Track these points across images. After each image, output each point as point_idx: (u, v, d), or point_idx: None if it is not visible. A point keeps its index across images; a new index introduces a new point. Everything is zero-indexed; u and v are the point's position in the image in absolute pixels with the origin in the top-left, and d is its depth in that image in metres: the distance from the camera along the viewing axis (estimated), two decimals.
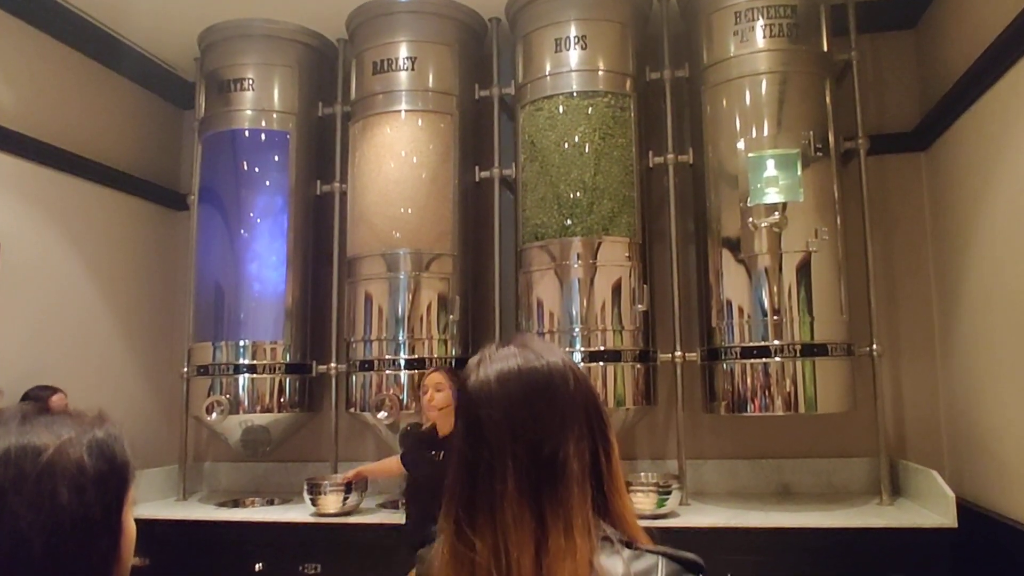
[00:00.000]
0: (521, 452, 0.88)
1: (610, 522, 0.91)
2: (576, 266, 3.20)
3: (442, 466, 2.71)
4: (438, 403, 2.81)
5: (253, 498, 3.71)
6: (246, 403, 3.53)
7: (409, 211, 3.40)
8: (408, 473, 2.95)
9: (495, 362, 0.95)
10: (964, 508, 2.85)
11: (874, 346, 3.21)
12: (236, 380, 3.51)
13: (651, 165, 3.41)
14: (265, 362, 3.55)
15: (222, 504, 3.58)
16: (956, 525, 2.75)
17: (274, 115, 3.70)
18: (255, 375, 3.53)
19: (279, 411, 3.59)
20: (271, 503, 3.63)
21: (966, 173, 3.06)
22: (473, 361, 0.99)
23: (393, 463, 3.13)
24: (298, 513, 3.28)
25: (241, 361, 3.53)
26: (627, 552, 0.87)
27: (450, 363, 3.33)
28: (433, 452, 2.82)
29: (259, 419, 3.57)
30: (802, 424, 3.45)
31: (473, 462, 0.91)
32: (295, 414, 3.65)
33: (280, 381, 3.57)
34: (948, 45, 3.22)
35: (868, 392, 3.25)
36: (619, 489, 0.93)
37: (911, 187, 3.57)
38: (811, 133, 3.08)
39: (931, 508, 2.94)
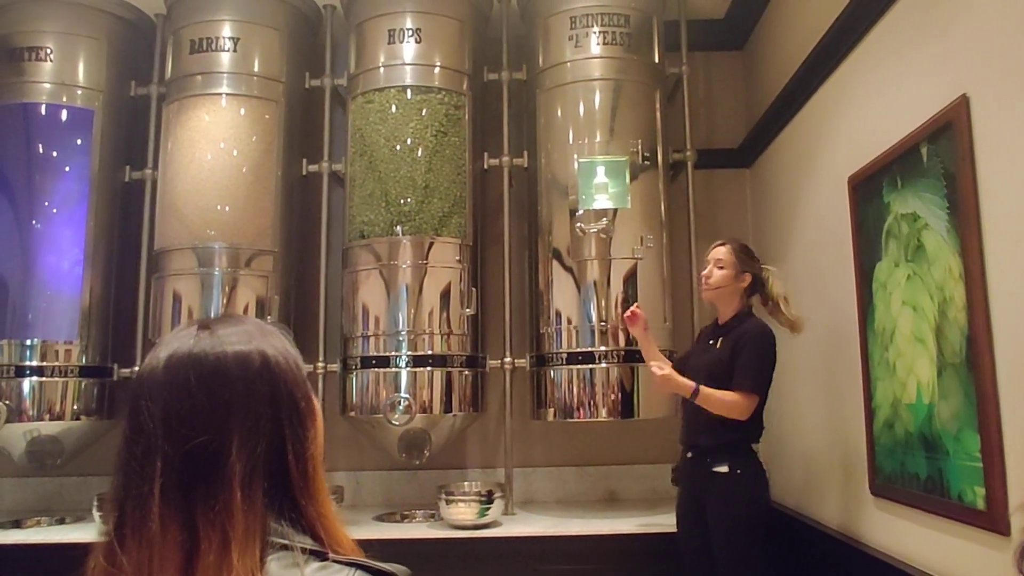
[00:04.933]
0: (172, 450, 0.75)
1: (303, 530, 0.79)
2: (404, 267, 3.08)
3: (710, 355, 2.33)
4: (714, 281, 2.40)
5: (40, 518, 3.30)
6: (32, 410, 3.14)
7: (227, 208, 3.16)
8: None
9: (170, 345, 0.81)
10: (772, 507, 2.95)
11: None
12: (20, 384, 3.13)
13: (486, 167, 3.35)
14: (57, 364, 3.18)
15: None
16: None
17: (78, 91, 3.34)
18: (44, 378, 3.15)
19: (73, 419, 3.22)
20: (61, 522, 3.25)
21: (782, 190, 3.20)
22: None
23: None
24: (88, 532, 2.94)
25: (27, 363, 3.14)
26: (312, 564, 0.76)
27: None
28: (711, 341, 2.42)
29: (48, 428, 3.18)
30: (627, 430, 3.48)
31: (127, 462, 0.77)
32: (91, 422, 3.28)
33: (74, 385, 3.21)
34: (769, 67, 3.36)
35: None
36: (313, 493, 0.81)
37: (737, 202, 3.70)
38: (639, 142, 3.11)
39: None
